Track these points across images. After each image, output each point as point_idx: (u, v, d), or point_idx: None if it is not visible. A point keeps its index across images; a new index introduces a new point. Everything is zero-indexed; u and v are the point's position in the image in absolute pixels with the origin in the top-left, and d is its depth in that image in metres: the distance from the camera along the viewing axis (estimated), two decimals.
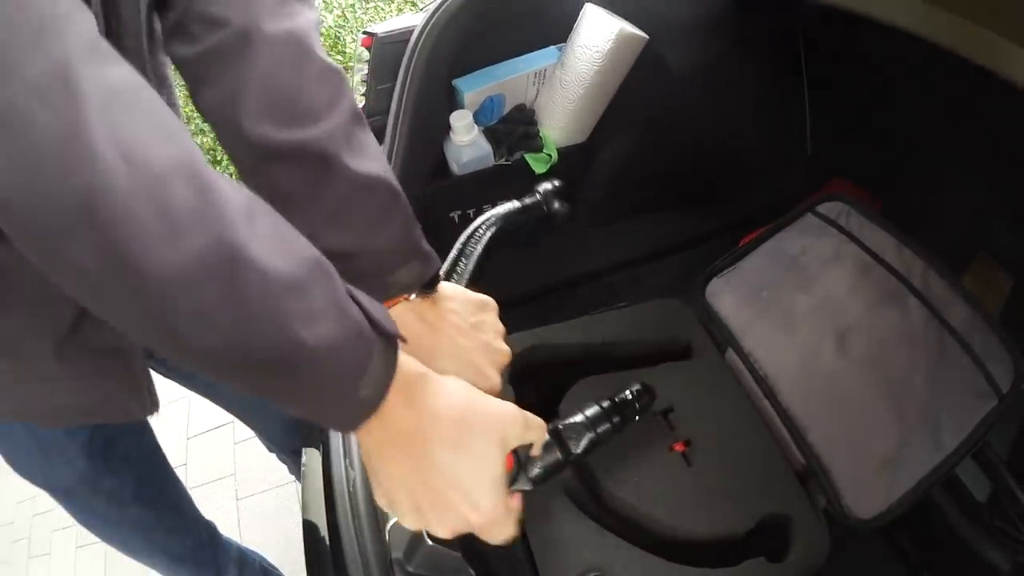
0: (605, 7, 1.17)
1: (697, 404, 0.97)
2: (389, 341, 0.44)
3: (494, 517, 0.47)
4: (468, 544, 0.95)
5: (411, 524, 0.49)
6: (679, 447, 0.93)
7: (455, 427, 0.46)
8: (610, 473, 0.89)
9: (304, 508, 0.89)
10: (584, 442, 0.59)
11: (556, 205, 0.79)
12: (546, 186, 0.80)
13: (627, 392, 0.67)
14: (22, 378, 0.63)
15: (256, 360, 0.37)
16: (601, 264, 1.44)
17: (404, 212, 0.61)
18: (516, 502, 0.51)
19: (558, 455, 0.57)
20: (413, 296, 0.63)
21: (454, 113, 1.18)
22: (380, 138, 1.12)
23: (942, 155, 1.23)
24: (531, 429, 0.51)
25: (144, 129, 0.34)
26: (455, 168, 1.23)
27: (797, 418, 0.94)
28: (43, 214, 0.31)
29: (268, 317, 0.36)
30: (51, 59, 0.32)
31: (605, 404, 0.63)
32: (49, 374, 0.62)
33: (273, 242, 0.37)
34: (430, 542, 0.70)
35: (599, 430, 0.60)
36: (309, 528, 0.86)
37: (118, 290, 0.34)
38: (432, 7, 0.98)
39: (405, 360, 0.46)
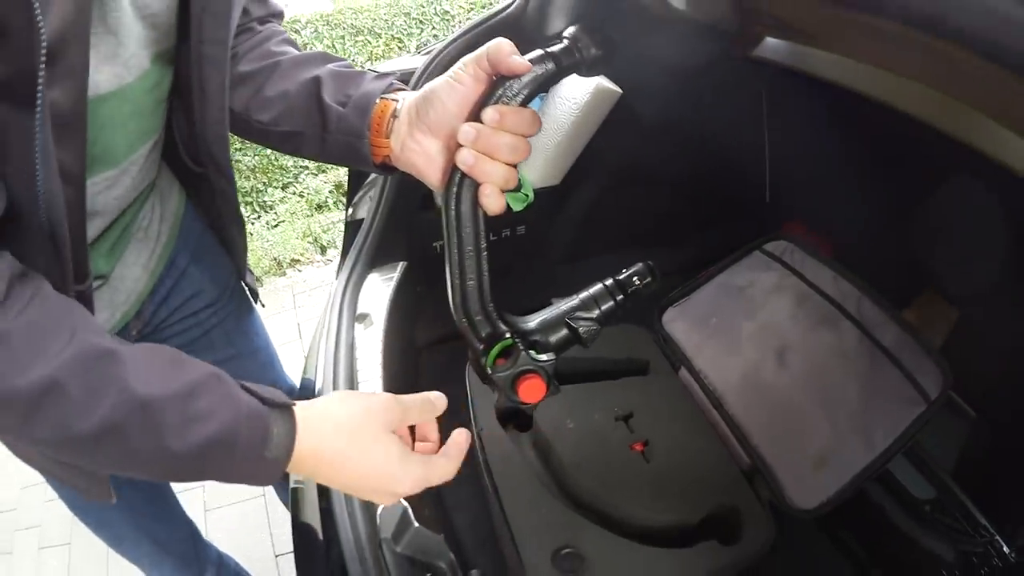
0: None
1: (654, 412, 1.06)
2: (283, 409, 0.53)
3: (415, 478, 0.56)
4: (450, 529, 0.99)
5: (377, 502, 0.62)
6: (638, 447, 1.01)
7: (347, 439, 0.55)
8: (577, 465, 0.96)
9: (295, 504, 0.90)
10: (592, 321, 0.59)
11: (592, 50, 0.57)
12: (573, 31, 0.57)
13: (629, 270, 0.62)
14: None
15: (174, 461, 0.48)
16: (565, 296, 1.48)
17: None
18: (461, 442, 0.60)
19: (567, 333, 0.59)
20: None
21: None
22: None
23: (887, 204, 1.31)
24: (409, 408, 0.59)
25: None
26: (439, 201, 1.32)
27: (742, 424, 1.03)
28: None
29: (172, 427, 0.48)
30: None
31: (608, 282, 0.61)
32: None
33: (161, 374, 0.49)
34: (416, 524, 0.73)
35: (603, 307, 0.60)
36: (299, 520, 0.88)
37: (70, 450, 0.48)
38: (436, 49, 1.09)
39: (302, 416, 0.55)
